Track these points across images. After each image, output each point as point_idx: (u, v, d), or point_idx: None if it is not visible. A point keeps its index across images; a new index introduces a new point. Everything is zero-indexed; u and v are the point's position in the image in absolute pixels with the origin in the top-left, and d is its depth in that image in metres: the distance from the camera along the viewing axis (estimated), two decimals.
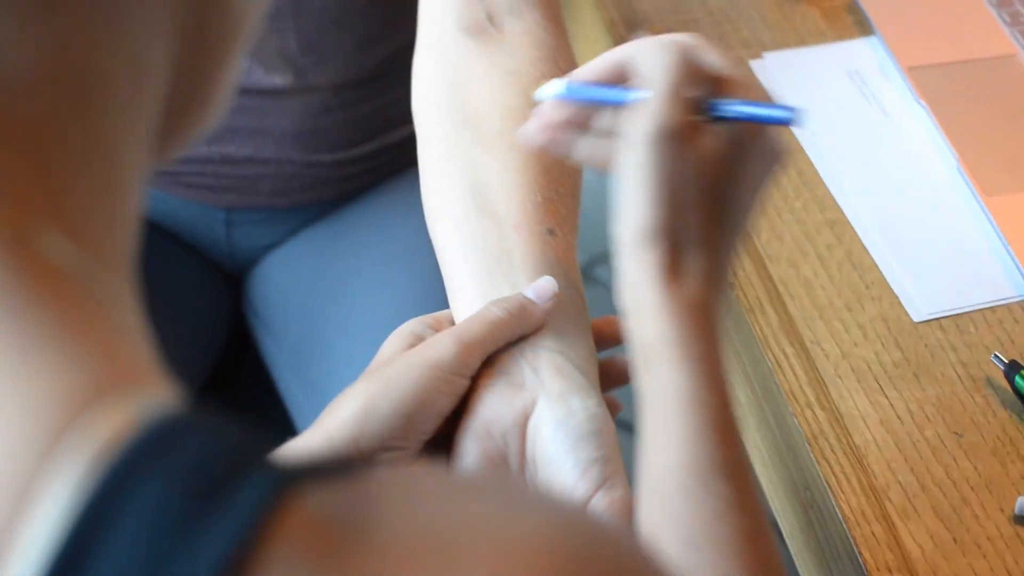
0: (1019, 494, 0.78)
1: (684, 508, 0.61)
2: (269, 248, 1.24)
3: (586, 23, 1.11)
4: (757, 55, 1.03)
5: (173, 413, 0.35)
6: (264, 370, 1.19)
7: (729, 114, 0.65)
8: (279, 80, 1.12)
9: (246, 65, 1.12)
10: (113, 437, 0.34)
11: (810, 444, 0.80)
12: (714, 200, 0.64)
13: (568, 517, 0.37)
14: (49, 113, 0.38)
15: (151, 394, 0.36)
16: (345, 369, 1.09)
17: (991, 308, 0.88)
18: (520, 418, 0.71)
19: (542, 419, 0.71)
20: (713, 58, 0.66)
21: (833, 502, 0.78)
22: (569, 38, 1.17)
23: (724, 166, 0.64)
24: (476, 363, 0.72)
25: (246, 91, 1.13)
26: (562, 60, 0.82)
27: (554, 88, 0.68)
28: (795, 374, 0.84)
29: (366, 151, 1.20)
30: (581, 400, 0.71)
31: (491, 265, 0.76)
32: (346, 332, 1.13)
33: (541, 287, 0.73)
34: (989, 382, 0.83)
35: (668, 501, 0.62)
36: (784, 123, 0.65)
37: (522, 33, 0.80)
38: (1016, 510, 0.77)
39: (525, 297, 0.73)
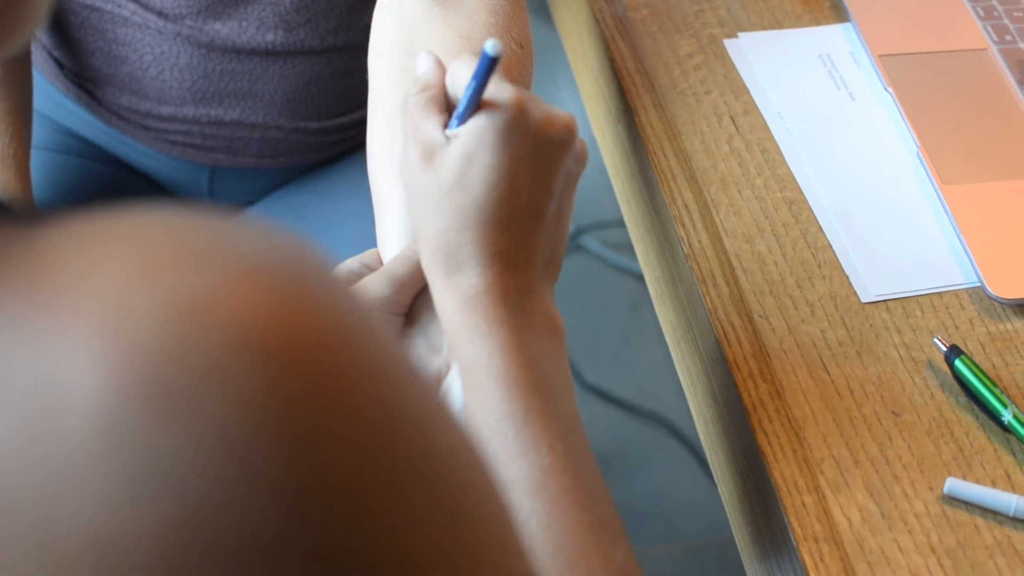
0: (949, 475, 0.80)
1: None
2: (251, 202, 1.25)
3: None
4: (732, 35, 1.05)
5: None
6: None
7: (459, 123, 0.71)
8: (270, 37, 1.14)
9: (238, 22, 1.13)
10: None
11: (749, 414, 0.82)
12: (467, 206, 0.70)
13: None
14: None
15: None
16: None
17: (938, 293, 0.89)
18: (434, 381, 0.74)
19: (453, 389, 0.74)
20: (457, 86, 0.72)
21: (767, 471, 0.80)
22: (549, 4, 1.19)
23: (457, 170, 0.70)
24: (408, 301, 0.76)
25: (237, 51, 1.14)
26: (516, 28, 0.83)
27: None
28: (741, 346, 0.86)
29: (353, 119, 1.22)
30: None
31: None
32: None
33: None
34: (930, 365, 0.85)
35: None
36: (490, 65, 0.69)
37: None
38: (945, 490, 0.79)
39: None
